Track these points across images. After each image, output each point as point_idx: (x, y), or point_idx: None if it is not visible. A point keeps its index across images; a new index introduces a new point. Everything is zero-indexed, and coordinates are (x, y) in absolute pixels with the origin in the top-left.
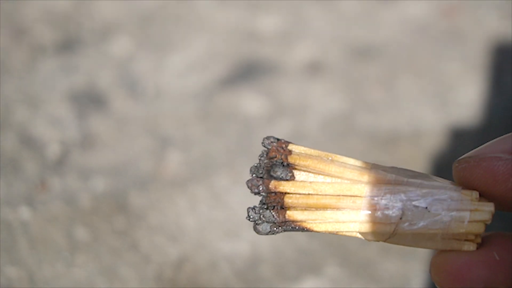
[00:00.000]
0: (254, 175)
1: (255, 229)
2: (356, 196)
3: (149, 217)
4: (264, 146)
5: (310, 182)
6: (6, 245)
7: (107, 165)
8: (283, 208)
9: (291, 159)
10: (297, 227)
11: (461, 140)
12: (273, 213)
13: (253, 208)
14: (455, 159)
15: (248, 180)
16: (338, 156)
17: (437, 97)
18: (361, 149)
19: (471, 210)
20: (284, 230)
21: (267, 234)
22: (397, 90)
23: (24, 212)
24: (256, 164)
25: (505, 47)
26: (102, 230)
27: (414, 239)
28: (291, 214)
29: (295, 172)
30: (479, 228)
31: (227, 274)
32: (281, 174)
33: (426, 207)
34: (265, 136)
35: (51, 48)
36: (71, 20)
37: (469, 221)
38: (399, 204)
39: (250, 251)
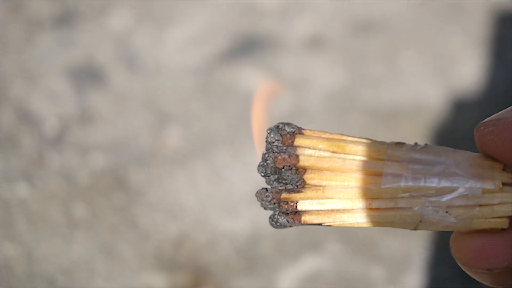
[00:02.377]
0: (263, 174)
1: (274, 226)
2: (372, 198)
3: (149, 193)
4: (269, 144)
5: (323, 187)
6: (4, 222)
7: (106, 141)
8: (298, 213)
9: (302, 163)
10: (316, 225)
11: (462, 114)
12: (287, 220)
13: (271, 217)
14: (457, 132)
15: (257, 193)
16: (351, 139)
17: (438, 71)
18: (362, 124)
19: (494, 205)
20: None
21: (285, 227)
22: (399, 64)
23: (22, 189)
24: (263, 163)
25: (507, 20)
26: (101, 207)
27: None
28: (307, 219)
29: (307, 177)
30: (503, 224)
31: (227, 251)
32: (291, 184)
33: (447, 212)
34: (267, 129)
35: (48, 22)
36: None
37: (492, 217)
38: (418, 205)
39: (250, 228)
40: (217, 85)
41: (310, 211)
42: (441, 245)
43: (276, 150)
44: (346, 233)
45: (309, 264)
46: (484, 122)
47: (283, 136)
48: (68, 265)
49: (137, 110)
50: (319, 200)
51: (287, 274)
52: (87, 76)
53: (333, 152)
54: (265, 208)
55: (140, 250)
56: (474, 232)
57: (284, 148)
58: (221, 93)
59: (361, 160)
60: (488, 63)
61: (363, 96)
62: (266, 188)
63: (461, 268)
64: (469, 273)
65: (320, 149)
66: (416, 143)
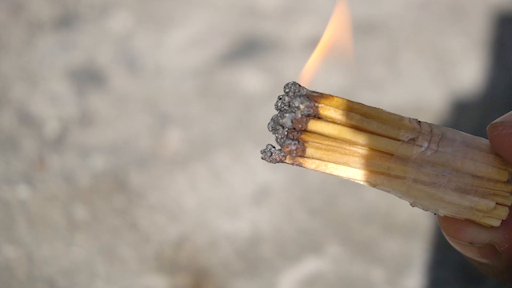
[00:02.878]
0: (280, 104)
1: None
2: (387, 152)
3: (149, 195)
4: (289, 88)
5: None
6: (5, 224)
7: (106, 143)
8: (304, 137)
9: (318, 98)
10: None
11: (463, 115)
12: (292, 136)
13: (277, 140)
14: None
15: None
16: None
17: (439, 73)
18: None
19: (493, 194)
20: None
21: (278, 161)
22: (399, 66)
23: (23, 191)
24: (282, 96)
25: (507, 22)
26: (101, 209)
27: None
28: (309, 145)
29: (320, 110)
30: (495, 223)
31: (227, 253)
32: (304, 112)
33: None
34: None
35: (49, 24)
36: None
37: (493, 209)
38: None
39: (250, 230)
40: (218, 87)
41: (315, 141)
42: (442, 247)
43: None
44: (346, 235)
45: (309, 266)
46: (502, 121)
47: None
48: (69, 267)
49: (137, 112)
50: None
51: (288, 276)
52: (88, 78)
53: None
54: (275, 131)
55: (141, 252)
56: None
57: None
58: (221, 95)
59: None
60: (488, 65)
61: (364, 98)
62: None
63: (462, 270)
64: (453, 244)
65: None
66: (429, 144)
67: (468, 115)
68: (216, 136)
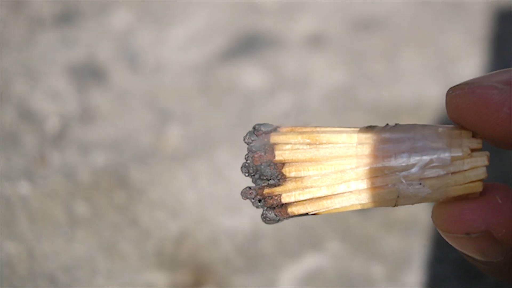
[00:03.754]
0: (246, 174)
1: (264, 221)
2: (349, 181)
3: (150, 191)
4: (247, 145)
5: (302, 178)
6: (5, 220)
7: (107, 139)
8: (284, 205)
9: (278, 157)
10: (303, 215)
11: None
12: (275, 213)
13: (262, 214)
14: None
15: (242, 192)
16: (323, 130)
17: (439, 70)
18: (362, 122)
19: (465, 171)
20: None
21: (277, 222)
22: (399, 63)
23: (23, 187)
24: (245, 164)
25: (507, 19)
26: (102, 205)
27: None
28: (293, 211)
29: (286, 170)
30: (477, 187)
31: (227, 249)
32: (272, 179)
33: (420, 183)
34: (247, 133)
35: (50, 21)
36: None
37: (465, 183)
38: (393, 182)
39: (251, 226)
40: (218, 83)
41: (294, 202)
42: (442, 243)
43: (254, 149)
44: (346, 232)
45: (310, 262)
46: (453, 86)
47: (259, 136)
48: (69, 263)
49: (138, 109)
50: (300, 191)
51: (288, 272)
52: (89, 74)
53: (308, 144)
54: (256, 207)
55: (141, 248)
56: (452, 200)
57: (261, 146)
58: (222, 91)
59: (334, 147)
60: (488, 62)
61: (364, 95)
62: (249, 187)
63: (462, 267)
64: (449, 241)
65: (295, 143)
66: (387, 124)
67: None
68: (217, 132)
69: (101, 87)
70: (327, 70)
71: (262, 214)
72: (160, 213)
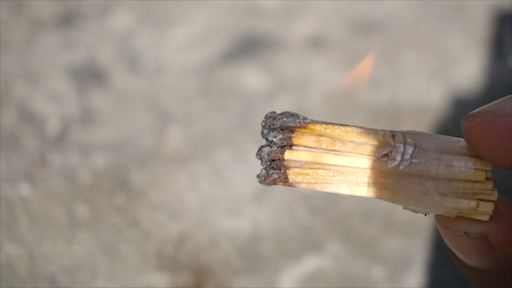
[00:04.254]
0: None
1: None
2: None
3: (150, 193)
4: (266, 139)
5: (320, 155)
6: (6, 221)
7: (107, 141)
8: (288, 173)
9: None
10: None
11: (463, 114)
12: (278, 176)
13: (266, 173)
14: (457, 132)
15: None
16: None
17: (439, 72)
18: (363, 124)
19: (479, 200)
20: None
21: (271, 184)
22: (400, 65)
23: (24, 189)
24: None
25: (507, 21)
26: (102, 207)
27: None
28: (295, 181)
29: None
30: (484, 217)
31: (228, 251)
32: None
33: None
34: (265, 117)
35: (50, 23)
36: None
37: (475, 207)
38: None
39: (251, 228)
40: (218, 85)
41: (298, 170)
42: (442, 245)
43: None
44: (346, 234)
45: (310, 264)
46: (473, 113)
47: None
48: (70, 265)
49: (138, 110)
50: (315, 167)
51: (288, 274)
52: (89, 76)
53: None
54: (263, 163)
55: (142, 250)
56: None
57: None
58: (222, 93)
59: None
60: (488, 63)
61: (365, 96)
62: (269, 144)
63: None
64: (447, 239)
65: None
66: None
67: (468, 113)
68: (217, 134)
69: (101, 89)
70: (327, 72)
71: (267, 172)
72: (161, 214)
